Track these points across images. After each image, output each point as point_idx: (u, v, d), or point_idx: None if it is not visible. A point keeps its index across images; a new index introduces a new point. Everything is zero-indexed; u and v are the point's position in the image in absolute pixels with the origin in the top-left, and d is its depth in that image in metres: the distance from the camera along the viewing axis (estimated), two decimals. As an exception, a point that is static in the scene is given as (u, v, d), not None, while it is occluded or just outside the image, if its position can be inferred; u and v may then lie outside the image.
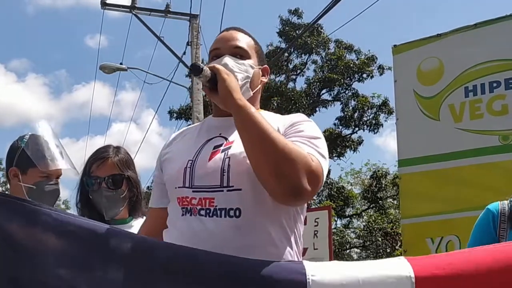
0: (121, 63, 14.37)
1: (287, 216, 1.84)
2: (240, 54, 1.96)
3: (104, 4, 13.57)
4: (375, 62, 21.61)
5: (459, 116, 4.70)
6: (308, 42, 21.37)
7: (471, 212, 3.78)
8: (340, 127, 22.13)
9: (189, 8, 13.32)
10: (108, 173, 2.55)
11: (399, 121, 5.18)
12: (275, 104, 19.41)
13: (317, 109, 22.14)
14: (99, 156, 2.59)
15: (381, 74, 21.59)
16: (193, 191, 1.81)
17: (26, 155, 2.59)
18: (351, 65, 21.58)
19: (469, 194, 4.40)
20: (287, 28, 22.09)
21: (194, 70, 1.77)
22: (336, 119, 22.18)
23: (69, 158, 2.73)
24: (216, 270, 1.51)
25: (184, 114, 22.67)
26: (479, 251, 1.58)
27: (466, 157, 4.59)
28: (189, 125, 13.23)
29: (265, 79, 2.08)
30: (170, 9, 13.54)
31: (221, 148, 1.87)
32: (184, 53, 13.65)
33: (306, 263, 1.53)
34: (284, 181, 1.65)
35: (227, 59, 1.92)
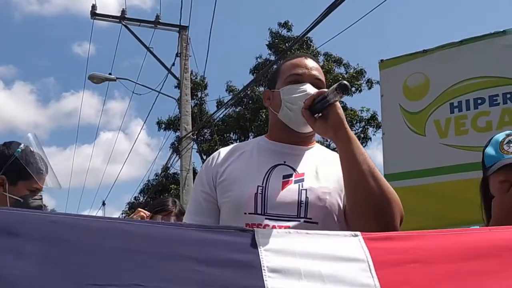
0: (110, 73, 14.39)
1: None
2: (318, 85, 1.97)
3: (94, 14, 13.60)
4: (364, 76, 21.77)
5: (445, 131, 4.73)
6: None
7: (457, 227, 3.78)
8: (329, 140, 22.15)
9: (179, 19, 13.35)
10: None
11: (385, 136, 5.20)
12: (264, 116, 19.44)
13: (306, 121, 22.20)
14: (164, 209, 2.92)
15: (369, 88, 21.73)
16: (266, 218, 1.82)
17: (20, 166, 2.52)
18: (340, 78, 21.67)
19: (455, 210, 4.41)
20: (276, 40, 22.20)
21: (345, 89, 1.75)
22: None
23: (53, 172, 2.72)
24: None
25: (172, 125, 22.65)
26: (445, 237, 1.57)
27: (451, 172, 4.61)
28: (178, 136, 13.17)
29: None
30: (160, 20, 13.60)
31: (293, 179, 1.89)
32: (173, 64, 13.70)
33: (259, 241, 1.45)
34: (384, 221, 1.70)
35: (310, 88, 1.93)
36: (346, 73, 21.97)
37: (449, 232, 1.58)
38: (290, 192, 1.84)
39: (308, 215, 1.81)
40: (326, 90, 1.83)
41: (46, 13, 48.93)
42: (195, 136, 20.35)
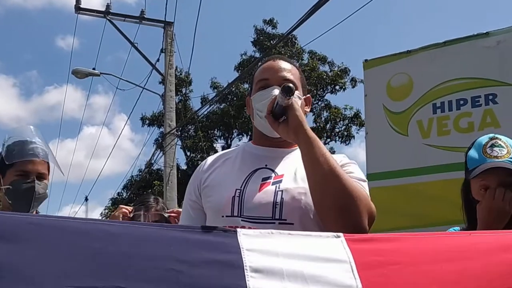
0: (93, 68, 14.27)
1: None
2: None
3: (78, 9, 13.49)
4: (348, 75, 21.88)
5: (427, 132, 4.77)
6: (282, 52, 21.50)
7: (439, 227, 3.83)
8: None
9: (164, 15, 13.28)
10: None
11: (368, 135, 5.23)
12: (247, 114, 19.44)
13: (290, 119, 22.23)
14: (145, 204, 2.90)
15: (353, 87, 21.84)
16: (242, 220, 1.83)
17: (2, 157, 2.57)
18: (324, 76, 21.78)
19: (437, 210, 4.45)
20: (261, 37, 22.21)
21: (288, 91, 1.75)
22: (309, 129, 22.30)
23: (53, 157, 2.71)
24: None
25: (156, 121, 22.59)
26: (426, 240, 1.56)
27: (433, 172, 4.65)
28: (162, 132, 13.14)
29: (308, 109, 2.09)
30: (144, 16, 13.52)
31: (271, 180, 1.89)
32: (158, 60, 13.64)
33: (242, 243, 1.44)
34: (348, 218, 1.69)
35: (277, 91, 1.90)
36: (330, 71, 22.06)
37: (431, 235, 1.59)
38: (266, 194, 1.84)
39: (283, 216, 1.80)
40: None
41: (30, 6, 48.48)
42: (179, 133, 20.30)
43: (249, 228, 1.77)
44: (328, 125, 22.13)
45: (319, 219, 1.78)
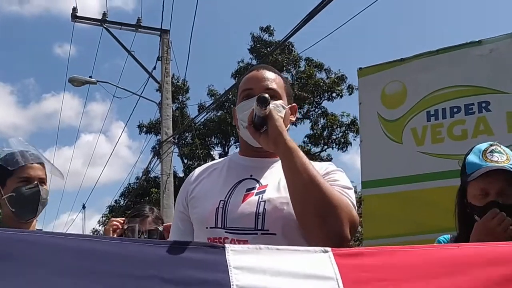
0: (90, 76, 14.29)
1: None
2: (272, 95, 1.90)
3: (74, 17, 13.52)
4: (345, 82, 21.89)
5: (421, 139, 4.79)
6: (279, 59, 21.53)
7: (433, 234, 3.84)
8: (309, 145, 22.28)
9: (160, 23, 13.32)
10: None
11: (363, 143, 5.25)
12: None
13: (287, 126, 22.24)
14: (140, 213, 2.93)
15: (350, 94, 21.86)
16: (225, 232, 1.82)
17: (1, 166, 2.57)
18: (321, 83, 21.80)
19: (431, 217, 4.47)
20: (258, 45, 22.24)
21: (263, 101, 1.75)
22: (306, 136, 22.34)
23: (49, 162, 2.73)
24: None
25: (153, 128, 22.57)
26: (415, 254, 1.56)
27: (427, 180, 4.67)
28: (159, 139, 13.09)
29: (293, 118, 2.09)
30: (141, 24, 13.55)
31: (255, 191, 1.89)
32: (155, 67, 13.65)
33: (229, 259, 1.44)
34: (329, 227, 1.69)
35: None
36: (327, 79, 22.08)
37: (421, 248, 1.59)
38: (249, 205, 1.85)
39: (265, 226, 1.80)
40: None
41: (27, 14, 48.48)
42: (176, 140, 20.29)
43: (232, 240, 1.80)
44: (325, 132, 22.14)
45: (301, 228, 1.77)
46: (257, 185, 1.91)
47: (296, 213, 1.75)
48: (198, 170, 2.12)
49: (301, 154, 1.77)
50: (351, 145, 21.85)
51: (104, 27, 13.45)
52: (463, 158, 2.39)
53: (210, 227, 1.86)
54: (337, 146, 22.04)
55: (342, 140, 21.93)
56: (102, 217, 25.91)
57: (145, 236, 2.76)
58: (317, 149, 22.32)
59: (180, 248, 1.45)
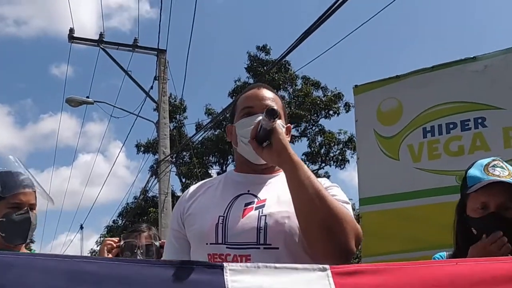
0: (87, 96, 14.30)
1: None
2: None
3: (71, 38, 13.57)
4: (342, 99, 21.97)
5: (418, 156, 4.79)
6: (276, 78, 21.62)
7: (431, 251, 3.82)
8: (307, 162, 22.28)
9: (157, 43, 13.38)
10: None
11: (360, 160, 5.25)
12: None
13: (284, 144, 22.25)
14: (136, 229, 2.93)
15: (347, 111, 21.92)
16: (226, 247, 1.81)
17: None
18: (318, 101, 21.87)
19: (429, 233, 4.45)
20: (255, 64, 22.35)
21: (272, 113, 1.76)
22: (303, 154, 22.35)
23: (40, 186, 2.72)
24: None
25: (151, 148, 22.58)
26: (413, 271, 1.54)
27: (424, 196, 4.66)
28: (156, 159, 13.07)
29: (288, 138, 2.08)
30: (138, 44, 13.60)
31: (254, 205, 1.88)
32: (152, 87, 13.69)
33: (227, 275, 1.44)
34: (335, 240, 1.68)
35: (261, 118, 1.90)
36: (324, 96, 22.16)
37: (419, 264, 1.58)
38: (250, 219, 1.84)
39: (268, 241, 1.80)
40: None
41: (24, 35, 48.70)
42: (174, 159, 20.25)
43: (234, 255, 1.78)
44: (322, 150, 22.17)
45: (305, 243, 1.77)
46: (256, 200, 1.91)
47: (302, 227, 1.75)
48: (192, 188, 2.11)
49: (306, 168, 1.78)
50: (348, 162, 21.90)
51: (101, 48, 13.50)
52: (464, 172, 2.38)
53: (211, 243, 1.84)
54: (334, 164, 22.07)
55: (340, 157, 21.95)
56: (100, 237, 25.80)
57: (141, 251, 2.75)
58: (315, 167, 22.32)
59: (177, 268, 1.44)
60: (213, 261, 1.80)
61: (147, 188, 16.09)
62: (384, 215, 4.85)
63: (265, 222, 1.82)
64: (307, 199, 1.71)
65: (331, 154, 22.11)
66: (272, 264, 1.50)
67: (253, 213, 1.85)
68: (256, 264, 1.48)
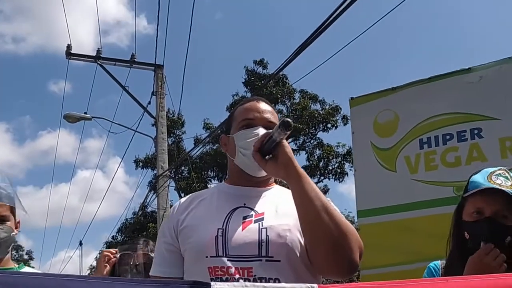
0: (85, 112, 14.31)
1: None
2: (271, 128, 1.90)
3: (69, 54, 13.59)
4: (339, 112, 21.96)
5: (415, 167, 4.79)
6: (273, 92, 21.65)
7: (429, 262, 3.81)
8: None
9: (154, 58, 13.41)
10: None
11: (357, 173, 5.25)
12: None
13: (283, 158, 22.24)
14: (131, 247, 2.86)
15: (345, 124, 21.89)
16: (228, 260, 1.80)
17: None
18: (316, 115, 21.88)
19: (427, 245, 4.43)
20: (252, 78, 22.38)
21: (287, 125, 1.75)
22: (302, 168, 22.29)
23: (18, 200, 2.67)
24: None
25: (150, 163, 22.52)
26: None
27: (422, 208, 4.66)
28: (155, 174, 12.94)
29: None
30: (135, 59, 13.63)
31: (252, 218, 1.88)
32: (149, 102, 13.70)
33: None
34: (340, 254, 1.68)
35: (263, 131, 1.92)
36: (322, 110, 22.18)
37: (407, 282, 1.56)
38: (250, 232, 1.83)
39: (270, 253, 1.79)
40: (271, 130, 1.84)
41: (22, 52, 48.89)
42: (173, 174, 20.22)
43: (236, 268, 1.77)
44: (321, 163, 22.13)
45: (309, 256, 1.77)
46: (253, 213, 1.90)
47: (308, 241, 1.75)
48: (184, 200, 2.09)
49: (311, 180, 1.78)
50: (347, 175, 21.82)
51: (98, 64, 13.53)
52: (469, 176, 2.38)
53: (211, 256, 1.82)
54: (333, 177, 22.01)
55: (339, 170, 21.90)
56: (99, 253, 25.70)
57: (137, 263, 2.73)
58: (314, 180, 22.23)
59: (164, 285, 1.45)
60: (215, 274, 1.79)
61: (146, 204, 16.09)
62: (382, 227, 4.84)
63: (267, 235, 1.81)
64: (314, 213, 1.71)
65: (330, 167, 22.08)
66: (261, 284, 1.51)
67: (253, 226, 1.85)
68: (243, 283, 1.49)
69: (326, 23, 6.48)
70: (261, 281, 1.74)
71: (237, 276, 1.76)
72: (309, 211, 1.72)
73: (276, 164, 1.81)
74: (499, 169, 2.30)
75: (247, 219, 1.88)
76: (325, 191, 22.07)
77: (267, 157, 1.85)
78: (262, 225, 1.84)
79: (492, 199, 2.19)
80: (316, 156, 22.23)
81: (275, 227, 1.83)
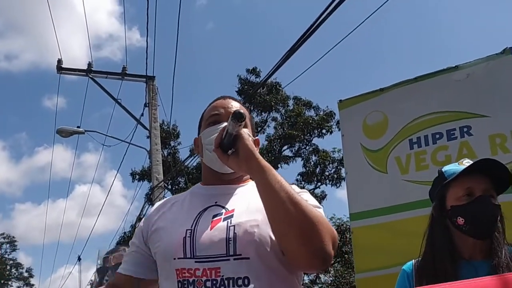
0: (78, 126, 14.29)
1: (291, 285, 1.82)
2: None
3: (60, 69, 13.61)
4: (333, 118, 22.00)
5: (406, 168, 4.74)
6: (268, 99, 21.68)
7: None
8: (303, 182, 22.23)
9: (145, 70, 13.41)
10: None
11: (348, 175, 5.20)
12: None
13: (279, 165, 22.27)
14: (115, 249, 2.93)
15: (339, 129, 21.89)
16: (195, 262, 1.76)
17: None
18: (310, 121, 21.90)
19: (419, 246, 4.39)
20: (246, 86, 22.42)
21: (239, 116, 1.72)
22: (298, 174, 22.26)
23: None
24: None
25: (146, 175, 22.48)
26: None
27: (414, 208, 4.60)
28: (151, 186, 12.93)
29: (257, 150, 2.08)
30: (126, 72, 13.65)
31: (222, 216, 1.84)
32: (142, 114, 13.70)
33: None
34: (313, 245, 1.64)
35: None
36: (316, 116, 22.20)
37: None
38: (218, 231, 1.80)
39: (238, 251, 1.75)
40: (226, 123, 1.81)
41: (15, 69, 48.91)
42: (169, 186, 20.14)
43: (204, 269, 1.74)
44: (317, 169, 22.13)
45: (282, 249, 1.73)
46: (223, 211, 1.86)
47: (277, 234, 1.70)
48: (157, 205, 2.08)
49: (275, 172, 1.73)
50: (344, 180, 21.82)
51: (90, 77, 13.55)
52: (438, 173, 2.36)
53: (179, 258, 1.79)
54: (330, 182, 22.01)
55: (335, 175, 21.92)
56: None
57: (113, 264, 2.76)
58: (311, 186, 22.26)
59: None
60: (182, 276, 1.76)
61: (142, 216, 15.99)
62: (375, 230, 4.79)
63: (234, 233, 1.77)
64: (279, 204, 1.66)
65: (326, 173, 22.08)
66: None
67: (221, 224, 1.81)
68: None
69: (313, 27, 6.48)
70: (228, 282, 1.70)
71: (204, 278, 1.72)
72: (275, 203, 1.68)
73: (237, 159, 1.77)
74: (462, 159, 2.31)
75: (216, 218, 1.84)
76: (323, 197, 22.06)
77: (229, 152, 1.80)
78: (231, 223, 1.80)
79: (478, 178, 2.17)
80: (312, 162, 22.24)
81: (243, 223, 1.79)
